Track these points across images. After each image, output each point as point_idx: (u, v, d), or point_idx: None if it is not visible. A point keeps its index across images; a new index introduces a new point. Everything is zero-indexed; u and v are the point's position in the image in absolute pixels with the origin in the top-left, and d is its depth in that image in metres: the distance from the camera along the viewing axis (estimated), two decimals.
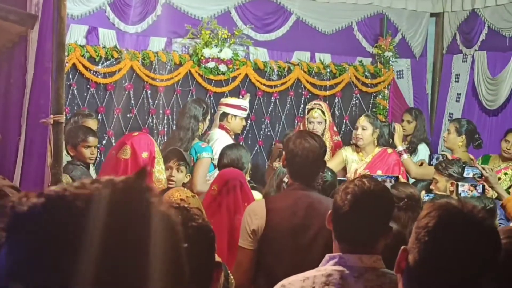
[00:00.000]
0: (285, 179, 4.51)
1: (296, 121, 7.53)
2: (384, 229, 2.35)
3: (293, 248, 3.31)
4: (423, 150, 6.92)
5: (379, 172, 5.63)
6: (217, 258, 3.24)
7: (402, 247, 1.78)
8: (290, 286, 2.34)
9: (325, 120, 6.30)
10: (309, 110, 6.37)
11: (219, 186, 4.26)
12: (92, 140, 5.12)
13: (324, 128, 6.23)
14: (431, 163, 5.63)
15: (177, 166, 4.98)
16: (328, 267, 2.33)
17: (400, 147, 6.15)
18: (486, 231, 1.74)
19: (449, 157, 5.56)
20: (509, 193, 5.40)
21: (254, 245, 3.42)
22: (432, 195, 4.64)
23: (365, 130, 6.00)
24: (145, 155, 4.57)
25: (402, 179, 5.34)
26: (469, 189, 4.78)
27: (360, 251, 2.32)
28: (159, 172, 4.82)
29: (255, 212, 3.46)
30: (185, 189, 3.72)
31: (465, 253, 1.70)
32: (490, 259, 1.75)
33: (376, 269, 2.29)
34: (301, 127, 6.52)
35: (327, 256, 2.37)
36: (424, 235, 1.72)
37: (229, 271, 3.53)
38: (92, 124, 5.88)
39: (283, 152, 6.46)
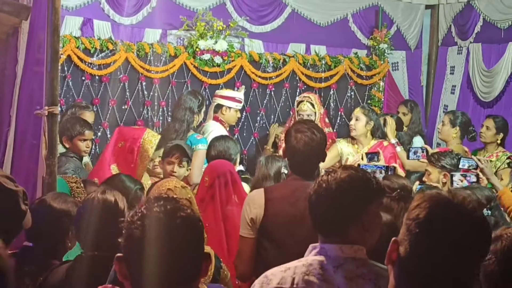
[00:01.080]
0: (284, 170, 4.53)
1: (291, 113, 7.53)
2: (353, 218, 2.32)
3: (291, 238, 3.31)
4: (418, 143, 6.93)
5: (382, 159, 5.63)
6: (208, 250, 3.26)
7: (393, 238, 1.79)
8: (272, 276, 2.36)
9: (315, 113, 6.29)
10: (299, 102, 6.37)
11: (211, 179, 4.28)
12: (88, 133, 5.12)
13: (314, 120, 6.21)
14: (409, 156, 5.61)
15: (178, 162, 5.02)
16: (309, 257, 2.34)
17: (392, 140, 6.16)
18: (476, 222, 1.75)
19: (430, 150, 5.56)
20: None
21: (254, 233, 3.45)
22: (421, 185, 4.64)
23: (358, 121, 6.01)
24: (121, 144, 4.63)
25: (399, 169, 5.36)
26: (459, 179, 4.79)
27: (335, 241, 2.31)
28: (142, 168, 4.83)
29: (254, 201, 3.49)
30: (176, 179, 3.73)
31: (456, 244, 1.70)
32: (481, 249, 1.77)
33: (356, 259, 2.29)
34: (292, 120, 6.54)
35: (310, 247, 2.38)
36: (415, 227, 1.73)
37: (222, 263, 3.54)
38: (89, 116, 5.88)
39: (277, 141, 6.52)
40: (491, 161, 5.89)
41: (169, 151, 5.06)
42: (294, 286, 2.28)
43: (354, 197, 2.33)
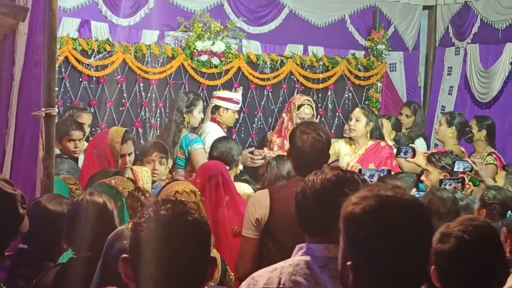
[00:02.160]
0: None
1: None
2: (338, 219, 2.31)
3: (294, 239, 3.30)
4: (420, 145, 6.92)
5: (371, 166, 5.63)
6: (214, 254, 3.25)
7: (348, 263, 1.78)
8: (259, 277, 2.35)
9: (313, 115, 6.33)
10: (299, 106, 6.36)
11: (202, 180, 4.25)
12: (75, 134, 5.08)
13: None
14: (399, 155, 5.59)
15: (159, 159, 5.00)
16: (296, 257, 2.34)
17: (389, 142, 6.16)
18: (412, 209, 1.75)
19: (417, 150, 5.55)
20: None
21: (258, 234, 3.44)
22: (422, 193, 4.60)
23: (358, 121, 6.01)
24: (95, 152, 4.62)
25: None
26: (455, 187, 4.78)
27: (321, 241, 2.31)
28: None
29: (259, 201, 3.48)
30: (186, 183, 3.70)
31: (404, 248, 1.70)
32: (426, 239, 1.77)
33: None
34: (286, 119, 6.53)
35: (297, 247, 2.38)
36: (365, 245, 1.73)
37: (227, 266, 3.53)
38: (87, 118, 5.85)
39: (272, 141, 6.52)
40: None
41: (147, 150, 5.05)
42: (281, 286, 2.28)
43: (339, 197, 2.32)
